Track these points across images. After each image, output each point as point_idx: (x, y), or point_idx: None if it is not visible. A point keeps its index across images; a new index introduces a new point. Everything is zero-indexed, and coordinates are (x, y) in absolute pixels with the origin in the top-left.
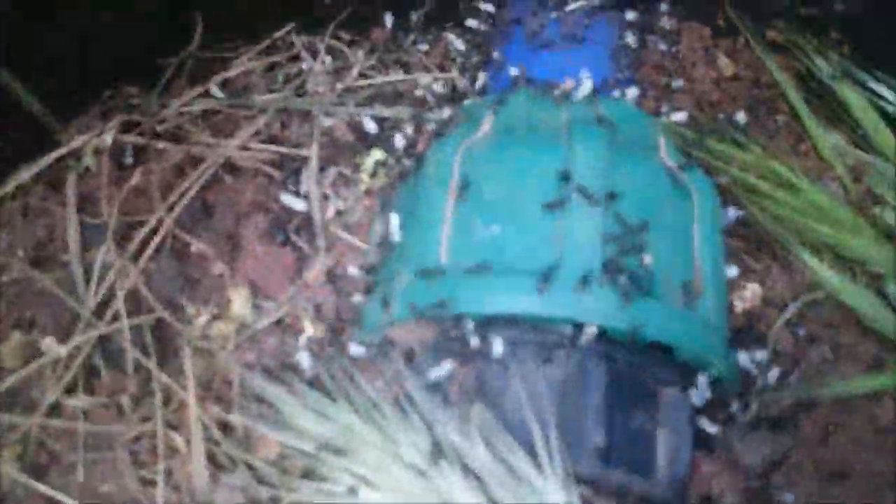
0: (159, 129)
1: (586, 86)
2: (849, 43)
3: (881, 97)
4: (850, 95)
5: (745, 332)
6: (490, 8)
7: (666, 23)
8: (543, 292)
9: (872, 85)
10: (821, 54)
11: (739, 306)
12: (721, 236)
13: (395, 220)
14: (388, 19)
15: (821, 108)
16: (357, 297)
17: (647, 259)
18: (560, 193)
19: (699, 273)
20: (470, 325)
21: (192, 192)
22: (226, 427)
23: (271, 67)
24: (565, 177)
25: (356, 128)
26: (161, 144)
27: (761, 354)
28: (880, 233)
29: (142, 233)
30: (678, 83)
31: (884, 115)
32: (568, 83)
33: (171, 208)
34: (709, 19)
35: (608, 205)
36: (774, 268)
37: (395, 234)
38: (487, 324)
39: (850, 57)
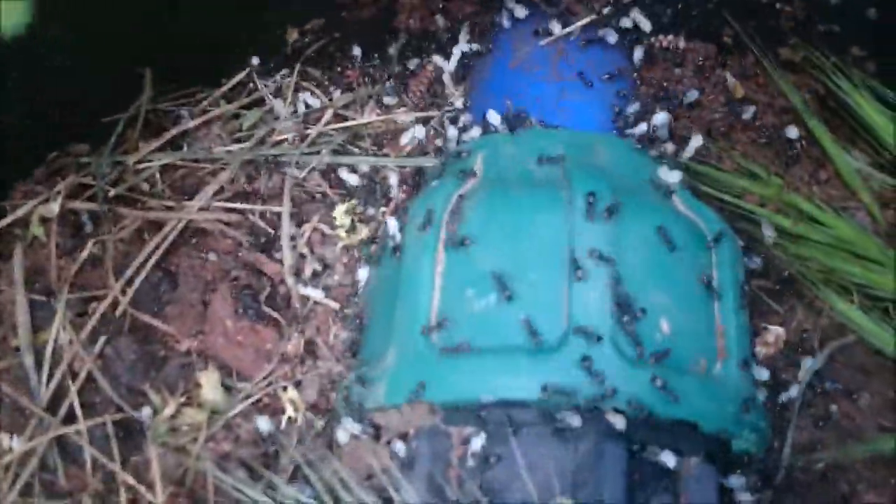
0: (113, 191)
1: (583, 123)
2: (873, 60)
3: None
4: (876, 116)
5: (768, 381)
6: (473, 37)
7: (667, 42)
8: (549, 374)
9: None
10: (841, 72)
11: (761, 352)
12: (743, 288)
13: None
14: (358, 52)
15: (842, 130)
16: (342, 372)
17: (665, 326)
18: (563, 257)
19: (722, 334)
20: (469, 409)
21: (152, 262)
22: None
23: (235, 115)
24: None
25: (332, 177)
26: (116, 209)
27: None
28: None
29: (98, 310)
30: (684, 110)
31: None
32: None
33: (129, 281)
34: (714, 37)
35: (618, 268)
36: (798, 309)
37: (379, 300)
38: (488, 407)
39: (876, 75)
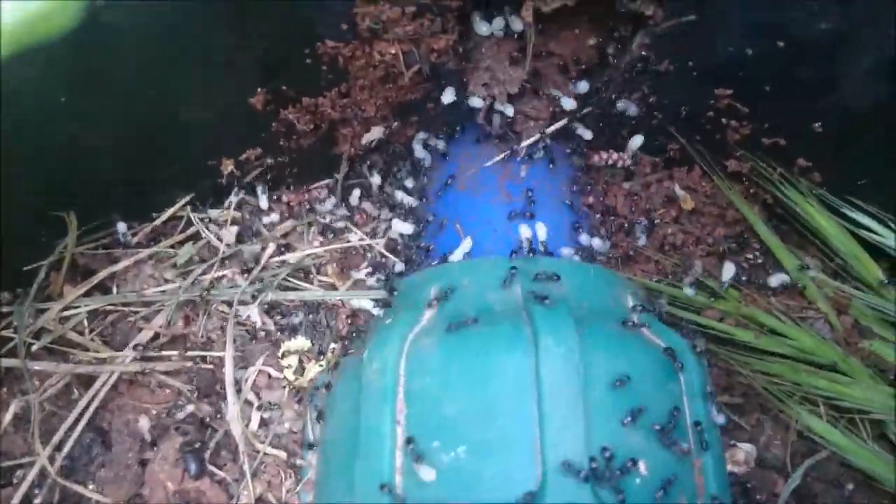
0: (38, 344)
1: (534, 246)
2: (818, 170)
3: (859, 225)
4: (825, 224)
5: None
6: (424, 157)
7: (614, 158)
8: None
9: (847, 212)
10: (788, 182)
11: (733, 471)
12: (713, 411)
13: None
14: (298, 179)
15: (791, 238)
16: None
17: (643, 467)
18: (531, 400)
19: (699, 465)
20: None
21: (83, 422)
22: None
23: (169, 252)
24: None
25: (275, 314)
26: (40, 364)
27: None
28: (875, 373)
29: (24, 483)
30: (635, 225)
31: (862, 242)
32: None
33: (58, 446)
34: (659, 151)
35: (590, 409)
36: (766, 423)
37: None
38: None
39: (821, 184)
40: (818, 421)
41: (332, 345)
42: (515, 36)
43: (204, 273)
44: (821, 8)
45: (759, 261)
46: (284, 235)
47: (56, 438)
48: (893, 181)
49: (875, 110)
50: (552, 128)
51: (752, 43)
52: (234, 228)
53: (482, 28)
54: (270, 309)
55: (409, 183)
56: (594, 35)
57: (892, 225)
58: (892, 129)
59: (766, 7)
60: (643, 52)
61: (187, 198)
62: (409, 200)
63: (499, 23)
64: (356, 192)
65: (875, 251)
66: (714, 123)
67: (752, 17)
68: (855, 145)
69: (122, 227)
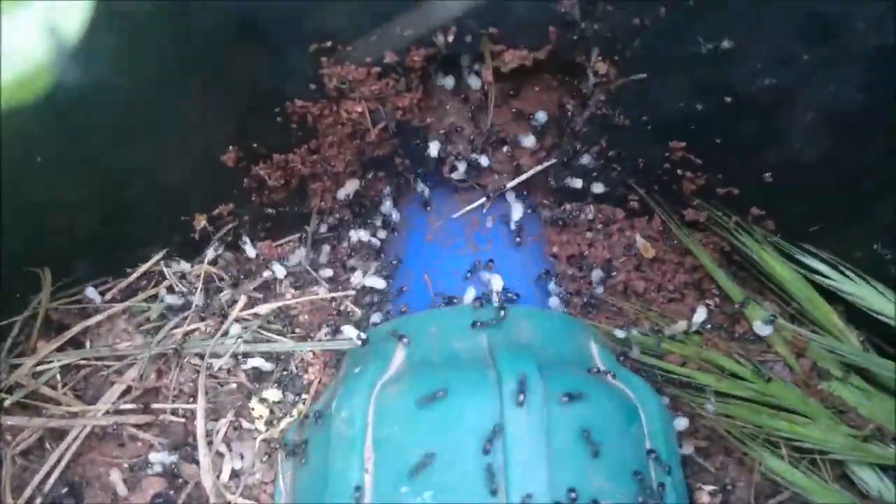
0: (11, 399)
1: (499, 296)
2: (771, 218)
3: (814, 270)
4: (782, 270)
5: None
6: (389, 213)
7: (577, 210)
8: None
9: (802, 258)
10: (743, 230)
11: None
12: (677, 455)
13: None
14: (270, 233)
15: (749, 283)
16: None
17: None
18: (495, 445)
19: None
20: None
21: (55, 476)
22: None
23: (141, 309)
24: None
25: (247, 365)
26: (13, 419)
27: None
28: (834, 414)
29: None
30: (598, 274)
31: (816, 287)
32: (478, 295)
33: (29, 500)
34: (620, 201)
35: (552, 452)
36: (730, 465)
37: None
38: None
39: (775, 231)
40: (780, 462)
41: (304, 395)
42: (477, 93)
43: (177, 326)
44: (763, 66)
45: (721, 306)
46: (256, 288)
47: (28, 492)
48: (843, 227)
49: (821, 160)
50: (516, 181)
51: (700, 99)
52: (207, 282)
53: (445, 82)
54: (242, 360)
55: (379, 235)
56: (553, 91)
57: (846, 270)
58: (839, 177)
59: (711, 66)
60: (600, 108)
61: (161, 253)
62: (378, 252)
63: (455, 81)
64: (326, 246)
65: (830, 295)
66: (670, 174)
67: (699, 75)
68: (805, 194)
69: (90, 291)
